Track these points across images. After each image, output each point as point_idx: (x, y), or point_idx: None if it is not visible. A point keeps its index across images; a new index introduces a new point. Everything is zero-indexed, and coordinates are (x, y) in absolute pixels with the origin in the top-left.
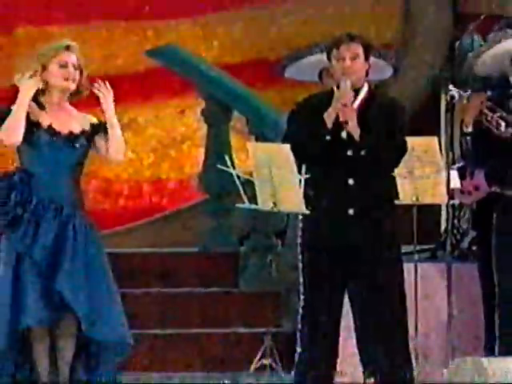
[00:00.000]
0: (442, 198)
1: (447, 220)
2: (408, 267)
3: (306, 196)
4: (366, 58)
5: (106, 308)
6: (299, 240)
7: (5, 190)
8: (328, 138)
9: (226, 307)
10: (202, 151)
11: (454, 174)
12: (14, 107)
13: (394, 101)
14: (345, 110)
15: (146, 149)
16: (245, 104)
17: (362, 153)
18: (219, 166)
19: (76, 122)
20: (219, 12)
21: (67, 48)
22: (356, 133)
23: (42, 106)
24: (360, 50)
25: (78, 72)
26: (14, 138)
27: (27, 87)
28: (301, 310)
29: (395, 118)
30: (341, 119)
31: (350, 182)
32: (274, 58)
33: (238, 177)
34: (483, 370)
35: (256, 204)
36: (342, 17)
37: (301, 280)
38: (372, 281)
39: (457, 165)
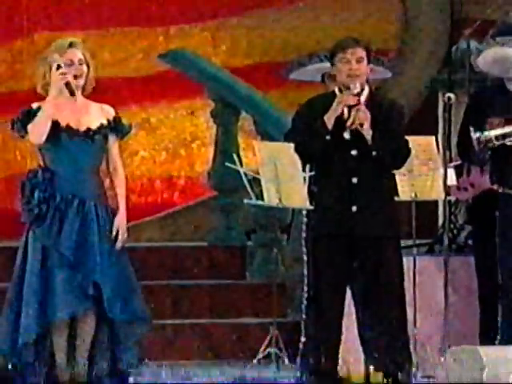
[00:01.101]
0: (439, 195)
1: (444, 215)
2: (407, 260)
3: (310, 192)
4: (368, 62)
5: (128, 291)
6: (304, 234)
7: (29, 188)
8: (328, 137)
9: (233, 298)
10: (211, 150)
11: (451, 171)
12: (37, 106)
13: (394, 102)
14: (359, 113)
15: (158, 148)
16: (252, 105)
17: (373, 153)
18: (227, 164)
19: (93, 116)
20: (227, 18)
21: (70, 45)
22: (369, 134)
23: (54, 104)
24: (364, 54)
25: (85, 66)
26: (39, 139)
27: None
28: (305, 301)
29: (396, 119)
30: (356, 122)
31: (354, 180)
32: (280, 61)
33: (246, 174)
34: (479, 359)
35: (262, 200)
36: (344, 22)
37: (305, 272)
38: (373, 273)
39: (453, 163)
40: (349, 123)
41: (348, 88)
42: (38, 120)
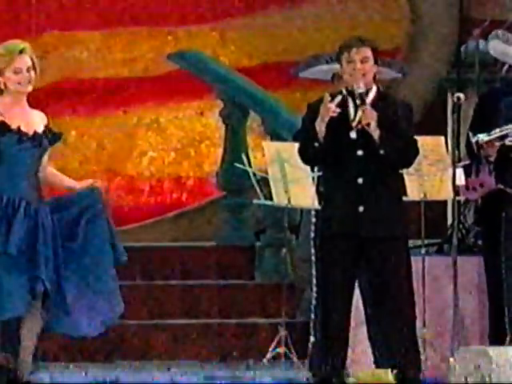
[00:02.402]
0: (448, 195)
1: (453, 215)
2: (416, 260)
3: (318, 192)
4: (375, 61)
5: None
6: (312, 234)
7: None
8: (317, 144)
9: (242, 299)
10: (220, 150)
11: (460, 171)
12: None
13: (402, 101)
14: (366, 113)
15: (167, 148)
16: (260, 105)
17: (381, 152)
18: (236, 164)
19: (36, 120)
20: (236, 18)
21: (20, 52)
22: (376, 134)
23: (4, 107)
24: (369, 54)
25: (33, 72)
26: None
27: None
28: (314, 301)
29: (404, 118)
30: (362, 121)
31: (360, 181)
32: (288, 61)
33: (254, 174)
34: (488, 359)
35: (271, 200)
36: (352, 22)
37: (314, 272)
38: (381, 273)
39: (462, 163)
40: (354, 123)
41: (352, 88)
42: None
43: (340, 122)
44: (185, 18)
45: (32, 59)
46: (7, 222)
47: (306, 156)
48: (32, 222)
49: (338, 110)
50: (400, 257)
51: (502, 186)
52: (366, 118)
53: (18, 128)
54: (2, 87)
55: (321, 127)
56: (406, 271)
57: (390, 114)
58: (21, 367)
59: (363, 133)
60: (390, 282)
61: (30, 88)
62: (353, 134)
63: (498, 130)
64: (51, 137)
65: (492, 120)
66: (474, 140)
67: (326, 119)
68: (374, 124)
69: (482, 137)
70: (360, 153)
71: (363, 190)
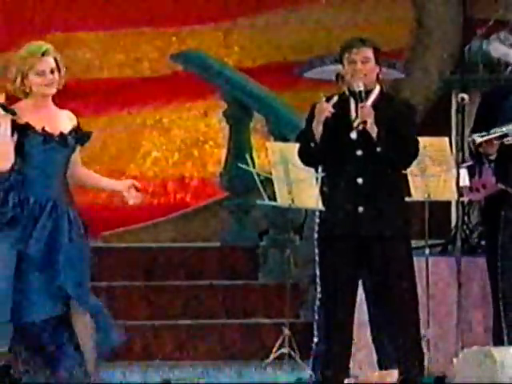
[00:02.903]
0: (452, 195)
1: (457, 216)
2: (420, 261)
3: (322, 193)
4: (377, 61)
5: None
6: (316, 235)
7: (3, 192)
8: (313, 145)
9: (246, 299)
10: (223, 151)
11: (464, 172)
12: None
13: (406, 101)
14: (363, 111)
15: (170, 148)
16: (264, 105)
17: (378, 149)
18: (240, 164)
19: (63, 121)
20: (239, 18)
21: (43, 54)
22: (374, 132)
23: (29, 109)
24: (370, 54)
25: (56, 73)
26: (4, 164)
27: (5, 119)
28: (318, 302)
29: (407, 118)
30: (359, 119)
31: (359, 181)
32: (292, 61)
33: (258, 175)
34: (492, 360)
35: (275, 201)
36: (356, 22)
37: (318, 272)
38: (383, 274)
39: (466, 163)
40: (355, 124)
41: (353, 88)
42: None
43: (340, 123)
44: (189, 19)
45: (56, 60)
46: (34, 223)
47: (304, 157)
48: (57, 225)
49: (333, 111)
50: (401, 256)
51: (502, 186)
52: (363, 115)
53: (43, 129)
54: (28, 90)
55: (317, 128)
56: (408, 270)
57: (391, 115)
58: (87, 367)
59: (363, 133)
60: (390, 281)
61: (54, 90)
62: (353, 135)
63: (497, 129)
64: (80, 136)
65: (495, 120)
66: (469, 139)
67: (322, 119)
68: (370, 121)
69: (476, 137)
70: (359, 153)
71: (363, 190)
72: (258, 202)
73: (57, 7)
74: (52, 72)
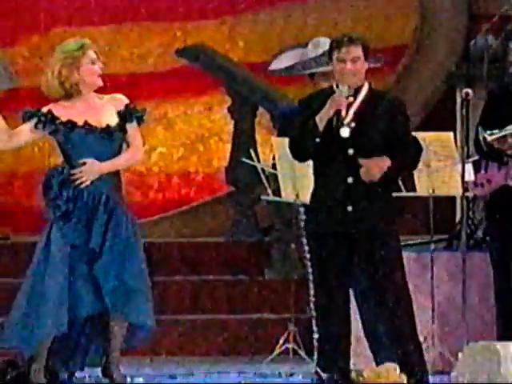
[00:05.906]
0: (457, 190)
1: (462, 211)
2: (424, 256)
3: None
4: (366, 58)
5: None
6: (303, 231)
7: (57, 185)
8: (318, 140)
9: (251, 294)
10: (228, 146)
11: (469, 167)
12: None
13: (396, 99)
14: (371, 167)
15: (175, 143)
16: (269, 101)
17: (363, 142)
18: (245, 159)
19: (109, 111)
20: (244, 13)
21: (86, 47)
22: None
23: (69, 106)
24: (360, 52)
25: (99, 63)
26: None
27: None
28: (312, 298)
29: (396, 116)
30: (364, 177)
31: (350, 180)
32: None
33: (263, 170)
34: (496, 355)
35: (280, 196)
36: (359, 17)
37: (309, 269)
38: (371, 269)
39: (471, 158)
40: (346, 122)
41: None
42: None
43: (330, 121)
44: (193, 14)
45: (96, 52)
46: (87, 217)
47: (303, 151)
48: (111, 218)
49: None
50: (390, 250)
51: (511, 183)
52: (369, 174)
53: (85, 122)
54: (74, 89)
55: (322, 121)
56: (398, 265)
57: (382, 112)
58: (111, 363)
59: (354, 132)
60: (378, 276)
61: (101, 82)
62: (344, 133)
63: (509, 126)
64: (133, 116)
65: (506, 116)
66: (481, 137)
67: (333, 112)
68: (378, 176)
69: (487, 135)
70: (351, 152)
71: (353, 189)
72: (263, 197)
73: (61, 3)
74: (96, 63)
